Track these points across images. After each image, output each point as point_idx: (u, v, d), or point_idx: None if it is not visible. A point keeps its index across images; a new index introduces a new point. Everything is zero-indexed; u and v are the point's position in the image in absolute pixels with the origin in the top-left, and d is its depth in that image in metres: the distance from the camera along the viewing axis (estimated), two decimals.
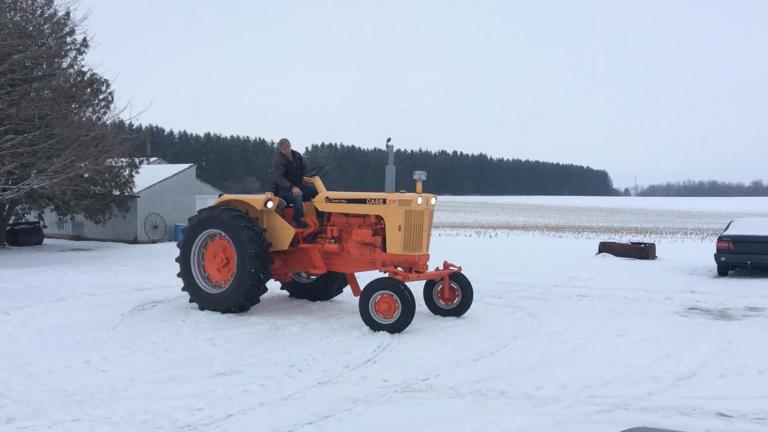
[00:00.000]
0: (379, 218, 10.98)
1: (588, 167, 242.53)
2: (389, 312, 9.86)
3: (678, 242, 34.35)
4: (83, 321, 10.55)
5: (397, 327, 9.78)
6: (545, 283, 16.00)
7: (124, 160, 25.33)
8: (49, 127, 19.70)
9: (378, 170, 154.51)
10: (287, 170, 11.98)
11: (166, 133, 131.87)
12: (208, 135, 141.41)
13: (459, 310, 11.28)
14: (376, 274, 10.97)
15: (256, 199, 11.72)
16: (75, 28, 22.44)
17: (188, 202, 30.65)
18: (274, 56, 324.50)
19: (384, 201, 10.83)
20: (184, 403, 6.45)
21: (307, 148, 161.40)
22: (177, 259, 11.99)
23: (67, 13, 22.20)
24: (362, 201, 11.14)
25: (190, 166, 31.84)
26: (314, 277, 12.86)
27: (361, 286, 10.77)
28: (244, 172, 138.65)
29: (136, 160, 26.11)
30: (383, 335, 9.70)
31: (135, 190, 26.67)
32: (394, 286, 9.89)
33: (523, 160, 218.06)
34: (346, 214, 11.41)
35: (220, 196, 12.25)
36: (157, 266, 19.08)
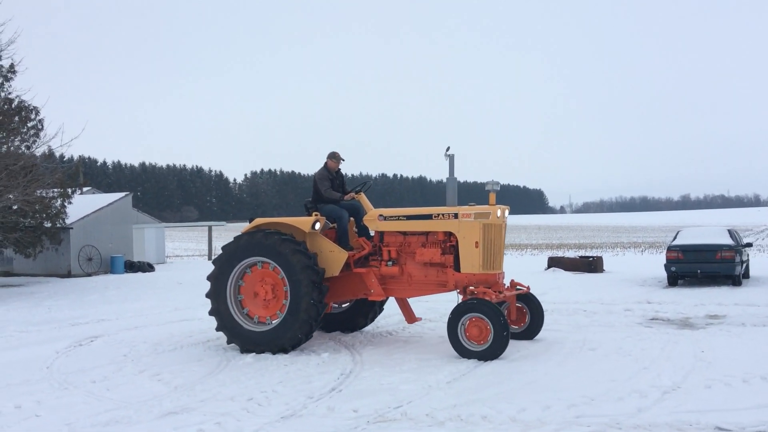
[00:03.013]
0: (449, 235, 9.84)
1: (525, 186, 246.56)
2: (481, 337, 8.88)
3: (619, 256, 34.83)
4: (13, 360, 9.60)
5: (490, 354, 8.78)
6: None
7: (55, 190, 24.01)
8: None
9: None
10: (331, 185, 10.87)
11: (99, 163, 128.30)
12: (143, 164, 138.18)
13: (530, 333, 10.35)
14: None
15: (299, 221, 10.24)
16: (1, 52, 21.25)
17: (125, 233, 29.43)
18: (210, 82, 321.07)
19: (456, 215, 9.71)
20: None
21: (246, 174, 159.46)
22: (207, 295, 10.37)
23: None
24: (427, 217, 9.93)
25: (126, 195, 30.63)
26: (344, 305, 11.59)
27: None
28: (181, 201, 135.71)
29: (69, 190, 24.78)
30: (344, 361, 9.08)
31: (68, 221, 25.28)
32: (485, 307, 8.87)
33: (461, 181, 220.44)
34: (404, 233, 10.20)
35: (252, 220, 10.58)
36: (93, 300, 18.04)
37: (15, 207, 20.93)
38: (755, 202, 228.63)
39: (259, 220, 10.50)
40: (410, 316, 10.65)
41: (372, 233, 10.65)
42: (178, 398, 7.35)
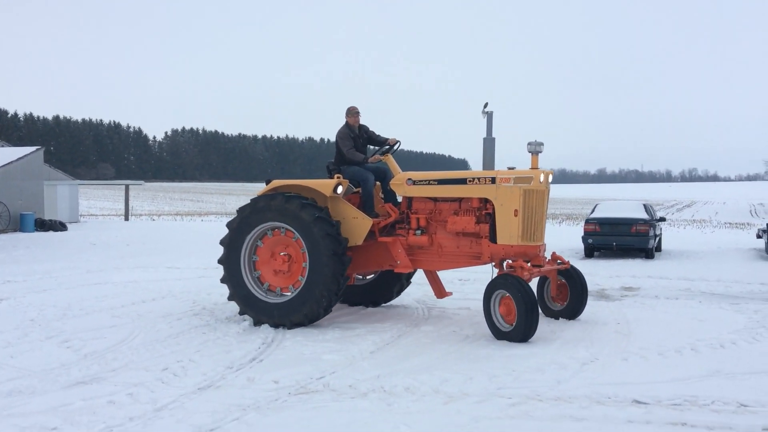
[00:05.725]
0: (484, 201, 8.98)
1: (450, 156, 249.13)
2: (509, 317, 8.14)
3: None
4: None
5: (517, 336, 8.00)
6: None
7: None
8: None
9: (243, 157, 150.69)
10: (354, 144, 9.99)
11: (9, 115, 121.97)
12: (57, 118, 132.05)
13: (572, 312, 9.54)
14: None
15: (320, 184, 9.40)
16: None
17: (35, 189, 28.09)
18: (131, 36, 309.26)
19: (493, 180, 8.79)
20: (34, 421, 5.37)
21: (166, 132, 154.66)
22: (220, 261, 9.58)
23: None
24: (461, 181, 9.07)
25: (38, 149, 29.19)
26: (368, 277, 10.84)
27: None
28: (97, 157, 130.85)
29: None
30: (266, 329, 8.85)
31: None
32: (510, 285, 8.09)
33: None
34: (435, 199, 9.38)
35: (269, 182, 9.76)
36: (0, 259, 17.12)
37: None
38: (667, 177, 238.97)
39: (276, 182, 9.70)
40: (440, 291, 9.92)
41: (399, 199, 9.95)
42: (88, 367, 7.00)
